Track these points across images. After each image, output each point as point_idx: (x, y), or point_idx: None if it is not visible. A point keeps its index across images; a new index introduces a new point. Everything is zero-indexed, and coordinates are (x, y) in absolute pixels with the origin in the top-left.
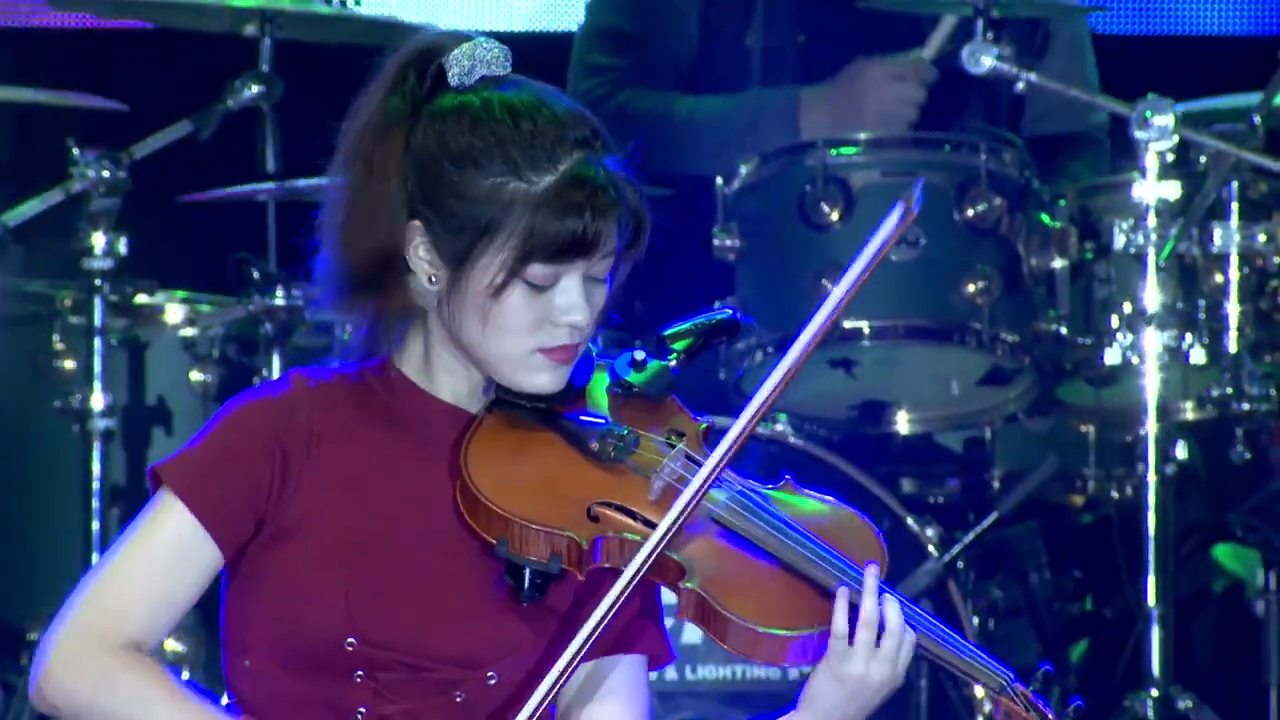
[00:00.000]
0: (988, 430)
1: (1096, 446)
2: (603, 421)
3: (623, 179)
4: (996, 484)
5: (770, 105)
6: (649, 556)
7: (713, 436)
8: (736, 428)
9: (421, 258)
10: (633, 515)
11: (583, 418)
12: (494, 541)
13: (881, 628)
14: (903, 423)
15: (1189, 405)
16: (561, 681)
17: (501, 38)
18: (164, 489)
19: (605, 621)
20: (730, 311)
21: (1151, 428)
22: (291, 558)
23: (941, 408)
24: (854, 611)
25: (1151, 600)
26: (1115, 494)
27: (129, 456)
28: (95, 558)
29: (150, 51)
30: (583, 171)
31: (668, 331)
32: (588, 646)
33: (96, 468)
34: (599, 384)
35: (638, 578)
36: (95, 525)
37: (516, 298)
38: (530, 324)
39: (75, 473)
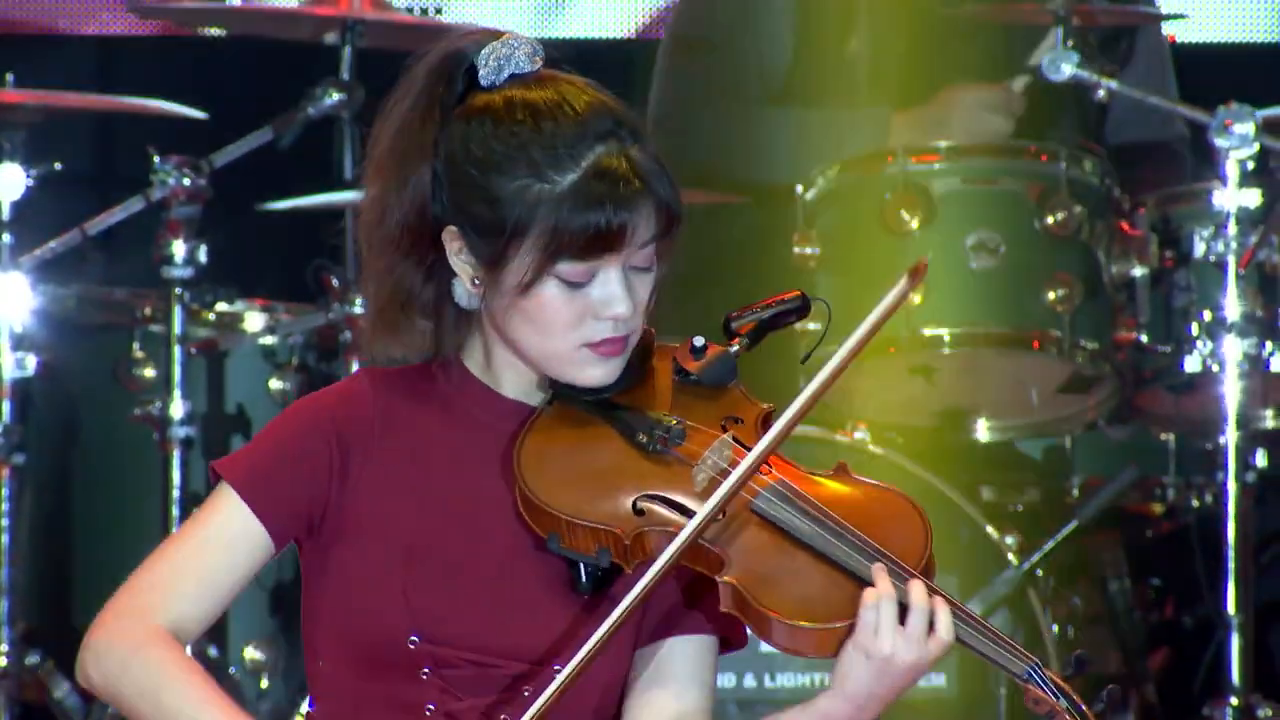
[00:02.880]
0: (1068, 438)
1: (1176, 454)
2: (655, 413)
3: (650, 167)
4: (1076, 492)
5: (859, 122)
6: (679, 548)
7: (773, 421)
8: (777, 425)
9: (463, 262)
10: (677, 508)
11: (635, 409)
12: (545, 537)
13: (907, 607)
14: (983, 430)
15: (1269, 413)
16: (581, 667)
17: (572, 46)
18: (221, 482)
19: (630, 609)
20: (799, 294)
21: (1231, 436)
22: (354, 556)
23: (1021, 415)
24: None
25: (1231, 608)
26: (1195, 502)
27: (208, 465)
28: None
29: (230, 59)
30: (604, 164)
31: (734, 316)
32: (608, 634)
33: (176, 476)
34: (661, 372)
35: (667, 568)
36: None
37: (554, 295)
38: (571, 320)
39: (154, 481)
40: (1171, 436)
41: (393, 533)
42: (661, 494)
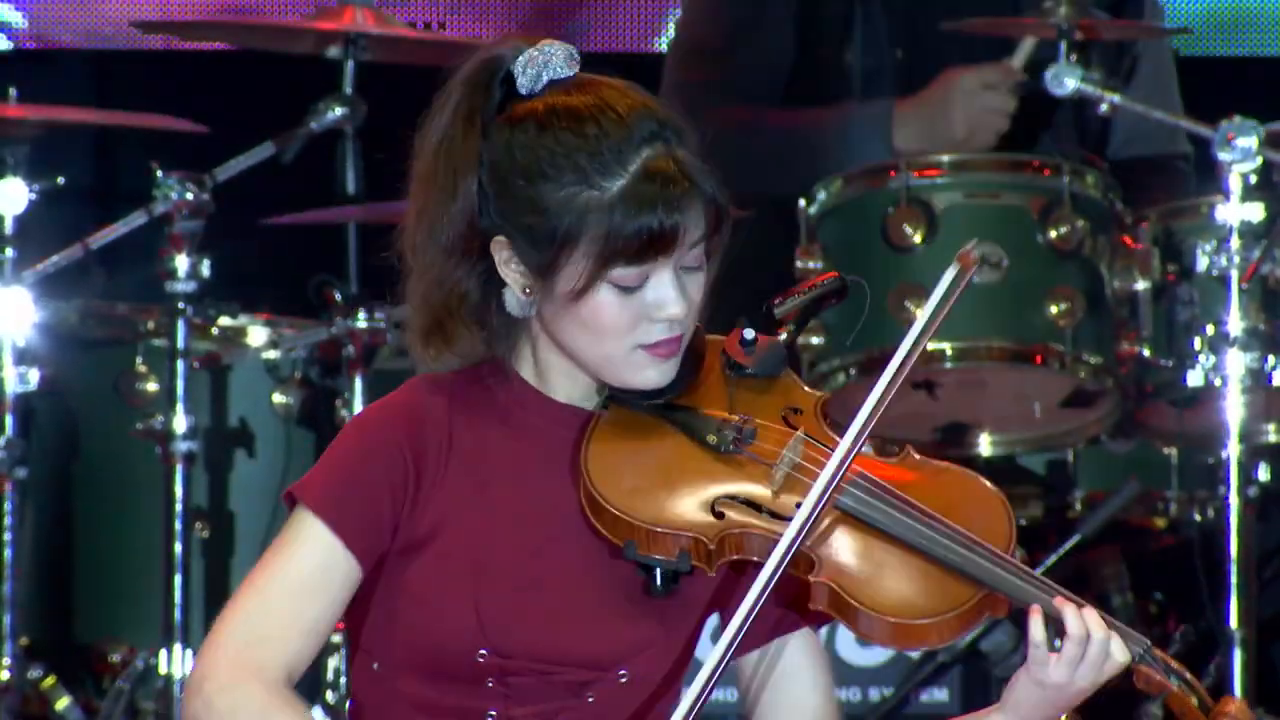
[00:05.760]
0: (1070, 452)
1: (1179, 469)
2: (716, 412)
3: (697, 166)
4: (1079, 506)
5: (864, 116)
6: (780, 563)
7: (830, 409)
8: (856, 424)
9: (512, 271)
10: (756, 508)
11: (695, 410)
12: (621, 545)
13: (1087, 638)
14: (985, 445)
15: (1271, 428)
16: (709, 688)
17: (586, 59)
18: (301, 508)
19: (746, 627)
20: (837, 275)
21: (1234, 450)
22: (423, 569)
23: (1024, 430)
24: (1048, 619)
25: (1234, 623)
26: (1197, 516)
27: (210, 479)
28: (177, 580)
29: (233, 74)
30: (653, 167)
31: (777, 303)
32: (732, 653)
33: (178, 490)
34: (712, 368)
35: (772, 583)
36: (177, 547)
37: (608, 300)
38: (627, 324)
39: (157, 495)
40: (1174, 451)
41: (460, 545)
42: (740, 495)
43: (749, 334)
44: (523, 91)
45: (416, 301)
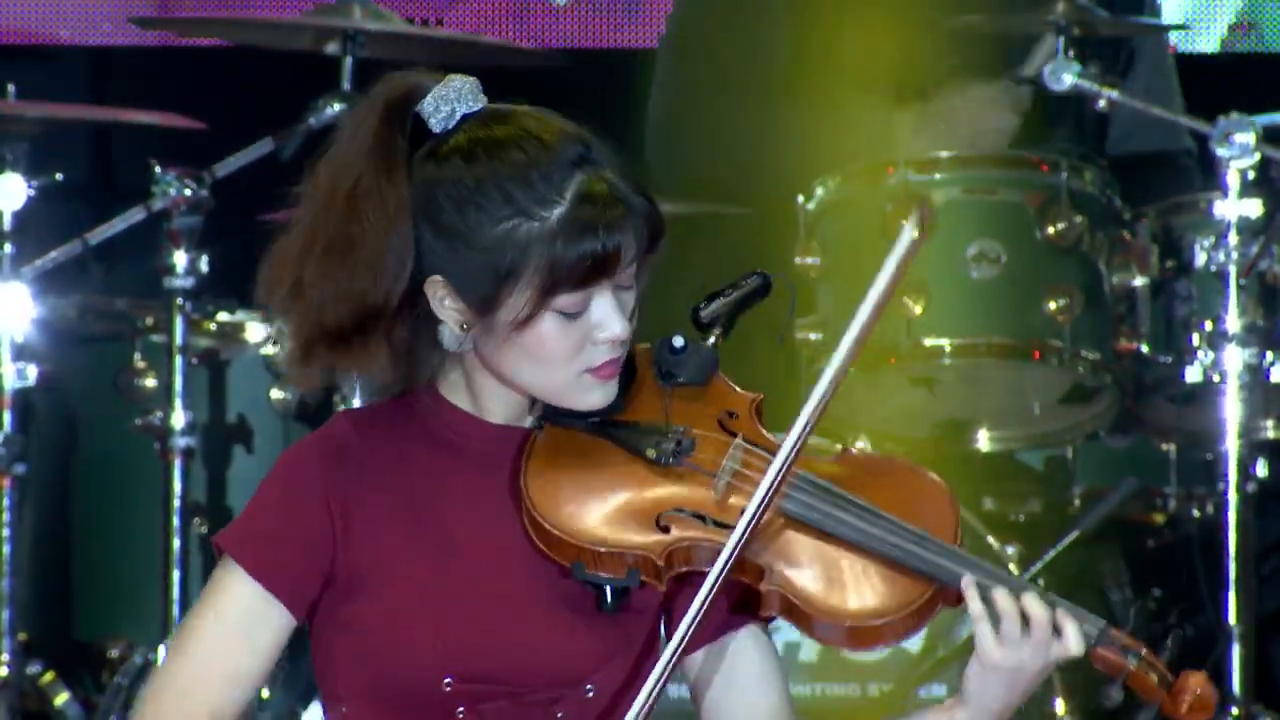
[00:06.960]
0: (1069, 448)
1: (1177, 465)
2: (656, 425)
3: (627, 185)
4: (1077, 502)
5: (861, 124)
6: (720, 573)
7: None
8: (800, 422)
9: (449, 308)
10: (702, 519)
11: (632, 424)
12: (569, 566)
13: (1027, 619)
14: (984, 441)
15: (1270, 423)
16: (654, 695)
17: (570, 54)
18: (227, 559)
19: (691, 632)
20: (759, 273)
21: (1232, 446)
22: (373, 606)
23: (1022, 426)
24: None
25: (1233, 618)
26: (1196, 512)
27: (209, 475)
28: (175, 575)
29: (231, 70)
30: (588, 191)
31: (702, 307)
32: (670, 664)
33: (177, 486)
34: (645, 379)
35: (713, 593)
36: (175, 543)
37: (552, 328)
38: (571, 350)
39: (155, 491)
40: (1172, 447)
41: (410, 577)
42: (685, 507)
43: (678, 341)
44: (436, 130)
45: (308, 319)
